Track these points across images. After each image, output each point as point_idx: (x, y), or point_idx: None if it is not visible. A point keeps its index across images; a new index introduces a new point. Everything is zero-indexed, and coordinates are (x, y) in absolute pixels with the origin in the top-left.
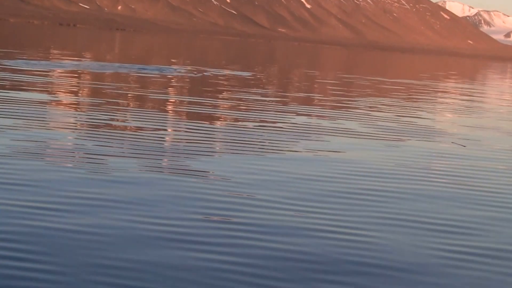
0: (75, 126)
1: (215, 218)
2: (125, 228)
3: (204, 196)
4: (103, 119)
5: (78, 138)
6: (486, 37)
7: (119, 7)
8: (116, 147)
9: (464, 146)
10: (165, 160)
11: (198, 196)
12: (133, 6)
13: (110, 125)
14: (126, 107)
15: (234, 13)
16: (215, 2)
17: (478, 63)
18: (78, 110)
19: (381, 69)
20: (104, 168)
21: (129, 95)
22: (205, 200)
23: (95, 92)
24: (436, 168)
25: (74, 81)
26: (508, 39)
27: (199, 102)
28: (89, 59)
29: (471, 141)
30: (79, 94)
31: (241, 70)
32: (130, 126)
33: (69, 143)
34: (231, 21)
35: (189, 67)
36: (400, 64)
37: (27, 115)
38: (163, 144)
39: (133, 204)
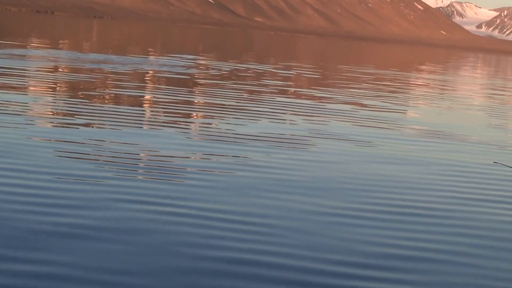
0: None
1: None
2: None
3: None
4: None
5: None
6: (458, 28)
7: None
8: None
9: None
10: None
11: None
12: None
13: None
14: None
15: (212, 2)
16: None
17: (453, 54)
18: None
19: (373, 60)
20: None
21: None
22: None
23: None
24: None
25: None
26: (480, 30)
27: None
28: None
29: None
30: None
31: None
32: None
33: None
34: (208, 10)
35: (206, 61)
36: (385, 54)
37: None
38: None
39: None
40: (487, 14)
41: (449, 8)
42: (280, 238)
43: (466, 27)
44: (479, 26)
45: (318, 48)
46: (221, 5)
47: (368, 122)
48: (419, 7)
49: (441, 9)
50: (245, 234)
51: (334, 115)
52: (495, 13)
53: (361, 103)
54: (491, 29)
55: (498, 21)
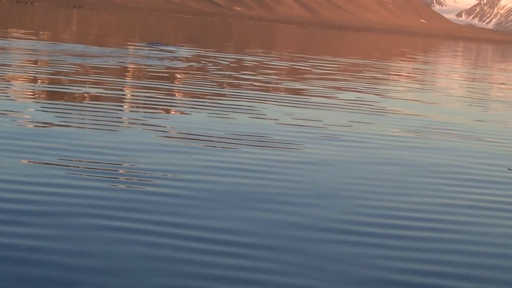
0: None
1: None
2: None
3: None
4: None
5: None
6: (438, 16)
7: None
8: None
9: None
10: None
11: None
12: None
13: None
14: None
15: None
16: None
17: (434, 42)
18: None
19: (354, 50)
20: None
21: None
22: None
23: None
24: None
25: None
26: (460, 18)
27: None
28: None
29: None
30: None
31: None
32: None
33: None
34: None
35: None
36: (366, 43)
37: None
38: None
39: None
40: (466, 2)
41: None
42: (266, 263)
43: (446, 16)
44: (459, 14)
45: (298, 38)
46: None
47: (355, 117)
48: None
49: None
50: (221, 257)
51: (320, 108)
52: (475, 1)
53: (348, 97)
54: (471, 17)
55: (477, 10)
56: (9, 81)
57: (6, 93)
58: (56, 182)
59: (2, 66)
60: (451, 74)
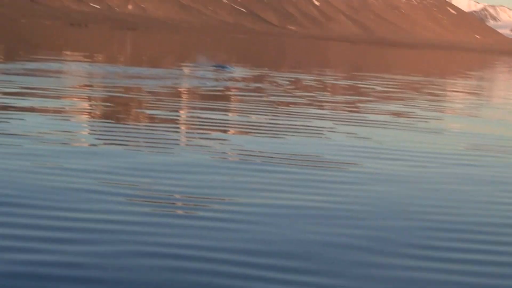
0: None
1: None
2: None
3: None
4: None
5: None
6: (492, 31)
7: (130, 7)
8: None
9: None
10: None
11: None
12: (143, 5)
13: None
14: None
15: (244, 11)
16: (224, 0)
17: (490, 58)
18: None
19: (410, 66)
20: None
21: None
22: None
23: None
24: None
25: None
26: None
27: None
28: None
29: None
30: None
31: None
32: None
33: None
34: (240, 19)
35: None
36: (421, 60)
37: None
38: None
39: None
40: None
41: (482, 12)
42: None
43: (500, 31)
44: None
45: (353, 55)
46: (253, 14)
47: (414, 135)
48: (452, 11)
49: (474, 13)
50: (281, 285)
51: (376, 127)
52: None
53: (407, 114)
54: None
55: None
56: (64, 104)
57: (60, 114)
58: (106, 207)
59: (57, 89)
60: (510, 89)
